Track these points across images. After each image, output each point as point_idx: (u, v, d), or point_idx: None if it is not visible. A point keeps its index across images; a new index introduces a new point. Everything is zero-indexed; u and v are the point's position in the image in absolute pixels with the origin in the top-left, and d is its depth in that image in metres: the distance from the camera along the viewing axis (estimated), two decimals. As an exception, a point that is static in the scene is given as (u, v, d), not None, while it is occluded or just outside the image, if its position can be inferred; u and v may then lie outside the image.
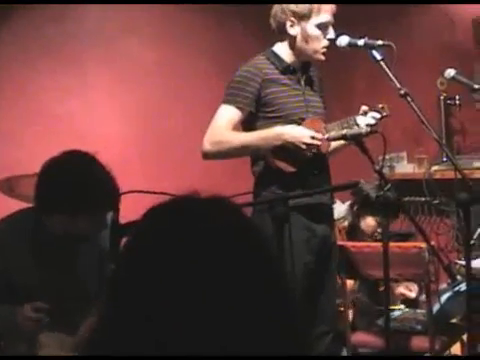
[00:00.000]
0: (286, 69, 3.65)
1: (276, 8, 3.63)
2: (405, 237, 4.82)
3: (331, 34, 3.59)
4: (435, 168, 5.70)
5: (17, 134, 5.21)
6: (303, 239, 3.54)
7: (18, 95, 5.26)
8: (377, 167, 2.97)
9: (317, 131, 3.53)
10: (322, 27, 3.59)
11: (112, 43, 5.56)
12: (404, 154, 6.01)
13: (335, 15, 3.64)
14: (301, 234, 3.51)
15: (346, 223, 4.88)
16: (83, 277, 2.98)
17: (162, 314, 1.16)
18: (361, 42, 3.41)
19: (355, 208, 4.76)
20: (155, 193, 2.68)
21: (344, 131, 3.18)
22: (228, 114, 3.58)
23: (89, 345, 1.25)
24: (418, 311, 4.54)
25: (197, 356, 1.14)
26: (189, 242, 1.20)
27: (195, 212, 1.24)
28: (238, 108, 3.58)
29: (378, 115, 3.66)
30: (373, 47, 3.34)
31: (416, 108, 3.14)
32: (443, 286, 4.39)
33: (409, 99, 3.17)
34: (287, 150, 3.53)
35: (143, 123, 5.66)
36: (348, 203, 4.97)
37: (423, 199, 5.71)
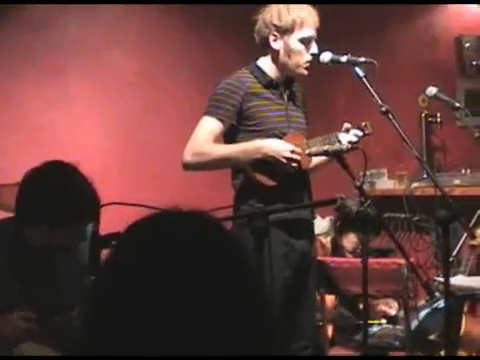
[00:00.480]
0: (269, 83, 3.67)
1: (259, 23, 3.66)
2: (384, 253, 4.85)
3: (314, 49, 3.62)
4: (415, 185, 5.73)
5: (-1, 143, 5.20)
6: (282, 254, 3.54)
7: (2, 104, 5.26)
8: (358, 183, 3.00)
9: (298, 146, 3.55)
10: (305, 41, 3.61)
11: (95, 54, 5.57)
12: (385, 170, 6.04)
13: (318, 31, 3.67)
14: (280, 249, 3.51)
15: (329, 239, 4.91)
16: (62, 289, 2.97)
17: (142, 327, 1.17)
18: (344, 59, 3.44)
19: (338, 224, 4.79)
20: (135, 205, 2.70)
21: (325, 147, 3.21)
22: (209, 126, 3.60)
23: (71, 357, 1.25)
24: (397, 327, 4.56)
25: None
26: (170, 257, 1.21)
27: (176, 227, 1.26)
28: (220, 120, 3.59)
29: (360, 133, 3.69)
30: (356, 64, 3.37)
31: (397, 125, 3.17)
32: (421, 303, 4.43)
33: (391, 116, 3.19)
34: (267, 164, 3.54)
35: (123, 134, 5.66)
36: (329, 218, 5.01)
37: (403, 216, 5.73)
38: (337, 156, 3.10)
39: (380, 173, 5.99)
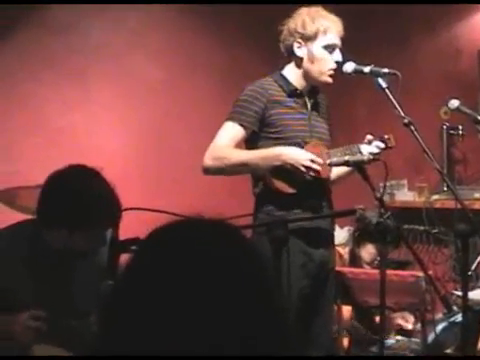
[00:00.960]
0: (292, 92, 3.70)
1: (285, 32, 3.70)
2: (402, 265, 4.84)
3: (338, 57, 3.65)
4: (435, 197, 5.71)
5: (17, 145, 5.23)
6: (300, 263, 3.55)
7: (20, 106, 5.28)
8: (378, 195, 3.00)
9: (319, 155, 3.56)
10: (328, 49, 3.65)
11: (117, 59, 5.59)
12: (405, 182, 6.02)
13: (342, 40, 3.68)
14: (298, 258, 3.51)
15: (347, 249, 4.90)
16: (79, 293, 2.98)
17: (159, 333, 1.19)
18: (367, 69, 3.46)
19: (356, 235, 4.78)
20: (155, 211, 2.71)
21: (346, 157, 3.22)
22: (231, 131, 3.63)
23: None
24: (413, 340, 4.54)
25: None
26: (190, 265, 1.22)
27: (197, 235, 1.27)
28: (241, 126, 3.62)
29: (382, 145, 3.69)
30: (379, 75, 3.39)
31: (419, 137, 3.17)
32: (439, 316, 4.41)
33: (412, 128, 3.20)
34: (286, 171, 3.56)
35: (144, 140, 5.68)
36: (347, 228, 5.00)
37: (422, 228, 5.72)
38: (358, 167, 3.11)
39: (400, 184, 5.98)
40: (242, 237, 1.31)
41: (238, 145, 3.66)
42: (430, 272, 3.82)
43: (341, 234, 4.98)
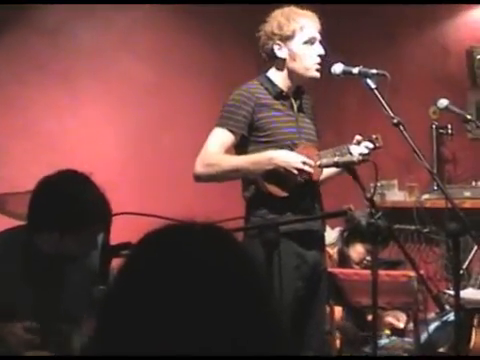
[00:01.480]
0: (279, 95, 3.70)
1: (262, 37, 3.71)
2: (394, 265, 4.85)
3: (320, 50, 3.66)
4: (426, 197, 5.72)
5: (4, 150, 5.20)
6: (293, 265, 3.55)
7: (6, 109, 5.25)
8: (368, 195, 3.01)
9: (309, 157, 3.56)
10: (308, 43, 3.66)
11: (106, 60, 5.57)
12: (395, 182, 6.04)
13: (321, 34, 3.68)
14: (291, 260, 3.53)
15: (335, 249, 4.91)
16: (70, 297, 2.98)
17: (151, 337, 1.19)
18: (355, 70, 3.46)
19: (345, 235, 4.79)
20: (147, 215, 2.71)
21: (336, 158, 3.22)
22: (220, 137, 3.63)
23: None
24: (405, 340, 4.55)
25: None
26: (182, 269, 1.22)
27: (189, 239, 1.27)
28: (230, 131, 3.62)
29: (371, 145, 3.70)
30: (367, 75, 3.39)
31: (408, 137, 3.18)
32: (431, 315, 4.42)
33: (402, 128, 3.21)
34: (278, 175, 3.56)
35: (135, 143, 5.67)
36: (339, 229, 5.00)
37: (413, 227, 5.73)
38: (348, 168, 3.12)
39: (390, 184, 5.99)
40: (233, 240, 1.31)
41: (228, 151, 3.66)
42: (422, 271, 3.83)
43: (332, 235, 4.99)
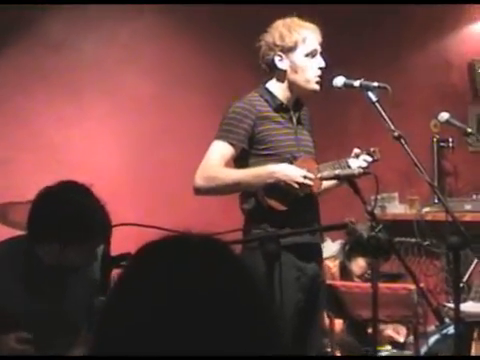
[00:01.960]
0: (279, 107, 3.68)
1: (263, 47, 3.68)
2: (394, 278, 4.83)
3: (321, 62, 3.64)
4: (426, 209, 5.71)
5: (10, 160, 5.21)
6: (294, 278, 3.54)
7: (13, 122, 5.27)
8: (369, 208, 3.00)
9: (309, 170, 3.54)
10: (310, 56, 3.64)
11: (110, 74, 5.59)
12: (396, 195, 6.03)
13: (322, 46, 3.68)
14: (291, 273, 3.51)
15: (337, 262, 4.89)
16: (71, 308, 2.97)
17: (149, 348, 1.18)
18: (357, 83, 3.45)
19: (347, 248, 4.78)
20: (146, 226, 2.71)
21: (337, 171, 3.22)
22: (221, 150, 3.59)
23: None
24: (405, 353, 4.54)
25: None
26: (178, 281, 1.22)
27: (186, 251, 1.26)
28: (231, 144, 3.59)
29: (370, 158, 3.69)
30: (369, 88, 3.38)
31: (409, 151, 3.17)
32: (431, 328, 4.41)
33: (403, 141, 3.20)
34: (279, 188, 3.53)
35: (137, 155, 5.67)
36: (340, 242, 4.99)
37: (413, 240, 5.72)
38: (348, 180, 3.11)
39: (391, 197, 5.98)
40: (231, 253, 1.31)
41: (228, 163, 3.63)
42: (422, 284, 3.81)
43: (333, 247, 4.97)
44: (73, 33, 5.47)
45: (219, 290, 1.22)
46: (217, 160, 3.57)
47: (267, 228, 3.55)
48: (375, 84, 3.39)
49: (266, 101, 3.67)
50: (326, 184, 3.70)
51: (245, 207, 3.66)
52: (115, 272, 2.68)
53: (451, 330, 4.03)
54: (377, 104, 3.33)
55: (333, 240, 5.16)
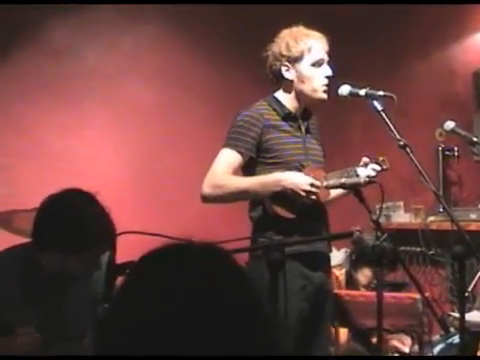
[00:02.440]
0: (287, 116, 3.69)
1: (270, 57, 3.69)
2: (399, 287, 4.83)
3: (327, 71, 3.65)
4: (431, 219, 5.70)
5: (13, 168, 5.22)
6: (299, 286, 3.54)
7: (15, 130, 5.28)
8: (374, 217, 2.99)
9: (316, 179, 3.55)
10: (316, 65, 3.64)
11: (111, 82, 5.59)
12: (401, 203, 6.02)
13: (329, 55, 3.68)
14: (297, 281, 3.51)
15: (343, 271, 4.88)
16: (73, 316, 2.97)
17: (150, 354, 1.19)
18: (362, 92, 3.45)
19: (353, 257, 4.77)
20: (151, 235, 2.70)
21: (343, 180, 3.21)
22: (228, 158, 3.61)
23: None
24: (410, 362, 4.52)
25: None
26: (180, 289, 1.23)
27: (187, 260, 1.27)
28: (238, 152, 3.60)
29: (378, 167, 3.69)
30: (374, 97, 3.38)
31: (415, 160, 3.17)
32: (436, 338, 4.39)
33: (408, 150, 3.19)
34: (286, 197, 3.54)
35: (139, 164, 5.67)
36: (344, 250, 4.98)
37: (418, 249, 5.71)
38: (354, 189, 3.10)
39: (396, 206, 5.97)
40: (233, 261, 1.31)
41: (235, 172, 3.64)
42: (427, 294, 3.81)
43: (338, 256, 4.97)
44: (75, 41, 5.49)
45: (220, 298, 1.23)
46: (224, 168, 3.59)
47: (273, 236, 3.55)
48: (381, 93, 3.39)
49: (274, 110, 3.68)
50: (333, 193, 3.70)
51: (253, 215, 3.68)
52: (119, 280, 2.68)
53: (456, 340, 4.02)
54: (383, 113, 3.33)
55: (338, 249, 5.15)
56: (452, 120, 3.96)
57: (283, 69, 3.66)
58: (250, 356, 1.21)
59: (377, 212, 3.07)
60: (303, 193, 3.51)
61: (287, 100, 3.71)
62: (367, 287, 4.75)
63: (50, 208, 2.87)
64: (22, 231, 3.66)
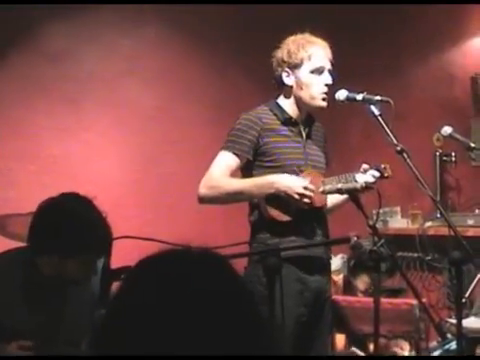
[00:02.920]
0: (287, 121, 3.71)
1: (274, 63, 3.73)
2: (396, 293, 4.83)
3: (327, 79, 3.66)
4: (429, 224, 5.71)
5: (10, 172, 5.21)
6: (296, 290, 3.54)
7: (13, 133, 5.27)
8: (371, 222, 2.99)
9: (313, 183, 3.55)
10: (316, 72, 3.66)
11: (111, 85, 5.59)
12: (398, 209, 6.03)
13: (332, 64, 3.69)
14: (294, 285, 3.52)
15: (341, 276, 4.88)
16: (71, 321, 2.98)
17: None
18: (359, 97, 3.46)
19: (351, 263, 4.77)
20: (147, 239, 2.70)
21: (340, 185, 3.21)
22: (225, 160, 3.64)
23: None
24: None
25: None
26: (176, 295, 1.23)
27: (184, 266, 1.28)
28: (235, 155, 3.63)
29: (377, 174, 3.69)
30: (371, 102, 3.39)
31: (412, 165, 3.17)
32: (433, 344, 4.39)
33: (405, 156, 3.20)
34: (281, 199, 3.56)
35: (139, 167, 5.66)
36: (341, 256, 4.98)
37: (415, 255, 5.71)
38: (351, 194, 3.10)
39: (393, 211, 5.98)
40: (228, 267, 1.32)
41: (233, 174, 3.67)
42: (424, 300, 3.81)
43: (334, 262, 4.96)
44: (74, 44, 5.47)
45: (217, 304, 1.23)
46: (221, 170, 3.62)
47: (268, 239, 3.57)
48: (378, 98, 3.40)
49: (275, 115, 3.71)
50: (334, 200, 3.70)
51: (251, 219, 3.71)
52: (115, 286, 2.68)
53: (453, 346, 4.02)
54: (380, 118, 3.34)
55: (335, 254, 5.15)
56: (450, 125, 3.97)
57: (284, 75, 3.69)
58: (248, 356, 1.21)
59: (374, 217, 3.08)
60: (296, 196, 3.52)
61: (288, 106, 3.73)
62: (365, 293, 4.75)
63: (47, 211, 2.88)
64: (17, 235, 3.67)
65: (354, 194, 3.09)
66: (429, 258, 5.64)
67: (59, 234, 2.82)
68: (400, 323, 3.97)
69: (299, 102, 3.71)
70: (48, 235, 2.85)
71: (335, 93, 3.59)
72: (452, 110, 5.88)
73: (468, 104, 6.04)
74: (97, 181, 5.29)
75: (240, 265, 2.85)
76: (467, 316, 4.24)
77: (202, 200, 3.66)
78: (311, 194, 3.53)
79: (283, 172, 3.60)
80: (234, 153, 3.63)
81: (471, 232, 5.33)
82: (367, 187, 3.16)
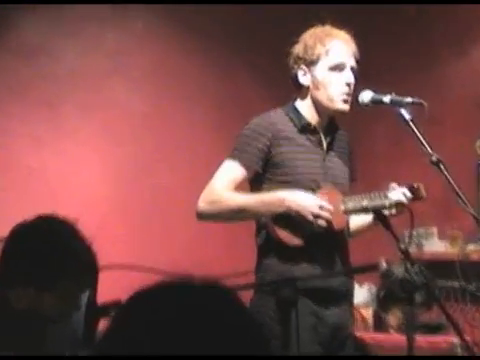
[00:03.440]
0: (305, 128, 3.69)
1: (290, 61, 3.71)
2: (434, 329, 4.81)
3: (349, 77, 3.64)
4: (471, 247, 5.70)
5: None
6: (309, 326, 3.51)
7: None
8: (403, 246, 2.99)
9: (332, 202, 3.53)
10: (335, 70, 3.64)
11: (93, 87, 5.61)
12: (434, 230, 6.02)
13: (357, 61, 3.68)
14: (308, 320, 3.49)
15: (370, 311, 4.87)
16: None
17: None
18: (387, 99, 3.46)
19: (381, 295, 4.76)
20: (139, 269, 2.71)
21: (364, 203, 3.21)
22: (230, 171, 3.64)
23: None
24: None
25: None
26: (177, 336, 1.23)
27: (186, 302, 1.27)
28: (243, 166, 3.63)
29: (409, 194, 3.59)
30: (401, 105, 3.39)
31: (450, 177, 3.17)
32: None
33: (442, 167, 3.20)
34: (292, 219, 3.54)
35: (127, 182, 5.68)
36: (368, 286, 4.96)
37: (456, 284, 5.70)
38: (378, 214, 3.10)
39: (429, 233, 5.97)
40: (238, 303, 1.31)
41: (239, 188, 3.65)
42: (467, 337, 3.80)
43: (360, 293, 4.95)
44: (50, 39, 5.50)
45: (225, 344, 1.23)
46: (225, 182, 3.61)
47: (276, 265, 3.54)
48: (409, 100, 3.40)
49: (291, 120, 3.69)
50: (358, 222, 3.69)
51: (257, 241, 3.69)
52: (102, 323, 2.68)
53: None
54: (411, 123, 3.33)
55: (360, 284, 5.14)
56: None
57: (300, 73, 3.69)
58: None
59: (406, 240, 3.08)
60: (310, 217, 3.50)
61: (306, 110, 3.72)
62: (399, 329, 4.73)
63: (20, 237, 2.88)
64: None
65: (381, 213, 3.08)
66: (472, 288, 5.63)
67: (34, 263, 2.81)
68: (438, 365, 3.97)
69: (317, 105, 3.69)
70: (21, 264, 2.84)
71: (357, 94, 3.59)
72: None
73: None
74: (79, 197, 5.30)
75: (245, 295, 2.85)
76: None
77: (201, 216, 3.65)
78: (328, 215, 3.52)
79: (297, 188, 3.58)
80: (241, 164, 3.62)
81: (520, 256, 5.33)
82: (397, 205, 3.16)
